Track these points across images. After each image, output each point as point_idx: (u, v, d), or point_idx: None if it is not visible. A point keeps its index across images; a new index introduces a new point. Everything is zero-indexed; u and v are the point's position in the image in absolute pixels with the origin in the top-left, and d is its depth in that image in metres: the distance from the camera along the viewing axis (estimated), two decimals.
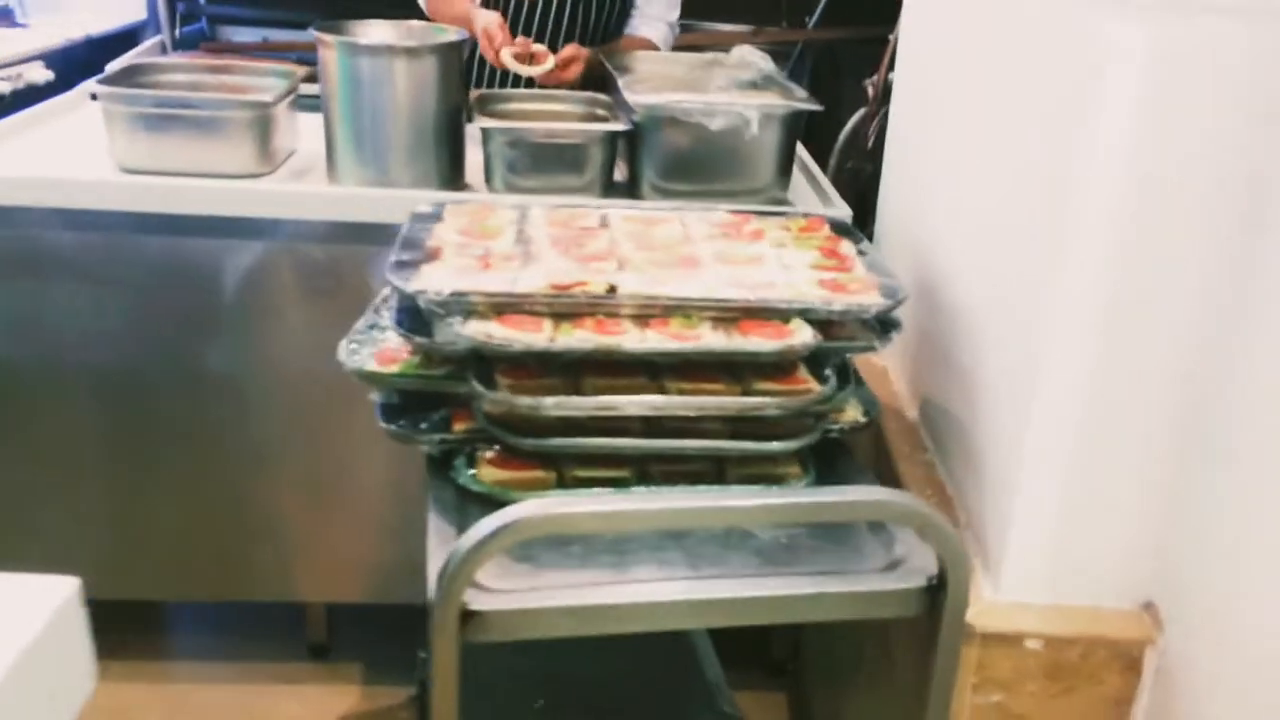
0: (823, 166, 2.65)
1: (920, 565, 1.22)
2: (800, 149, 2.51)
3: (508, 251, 1.53)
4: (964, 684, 1.25)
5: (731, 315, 1.40)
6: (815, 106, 2.08)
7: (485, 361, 1.35)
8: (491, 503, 1.32)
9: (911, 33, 2.00)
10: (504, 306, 1.36)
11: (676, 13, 2.82)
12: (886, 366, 1.95)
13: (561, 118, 2.26)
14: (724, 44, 3.81)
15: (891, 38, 2.32)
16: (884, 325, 1.47)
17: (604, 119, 2.22)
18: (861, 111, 2.54)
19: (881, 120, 2.48)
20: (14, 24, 3.60)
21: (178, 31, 3.91)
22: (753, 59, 2.46)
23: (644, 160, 2.11)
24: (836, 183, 2.66)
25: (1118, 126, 1.13)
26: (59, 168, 2.11)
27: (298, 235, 2.10)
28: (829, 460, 1.47)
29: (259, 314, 2.14)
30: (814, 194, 2.29)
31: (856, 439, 1.54)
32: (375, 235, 1.99)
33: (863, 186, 2.59)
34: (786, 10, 4.12)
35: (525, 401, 1.30)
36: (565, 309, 1.38)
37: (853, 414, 1.49)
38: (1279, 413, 1.07)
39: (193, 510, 2.24)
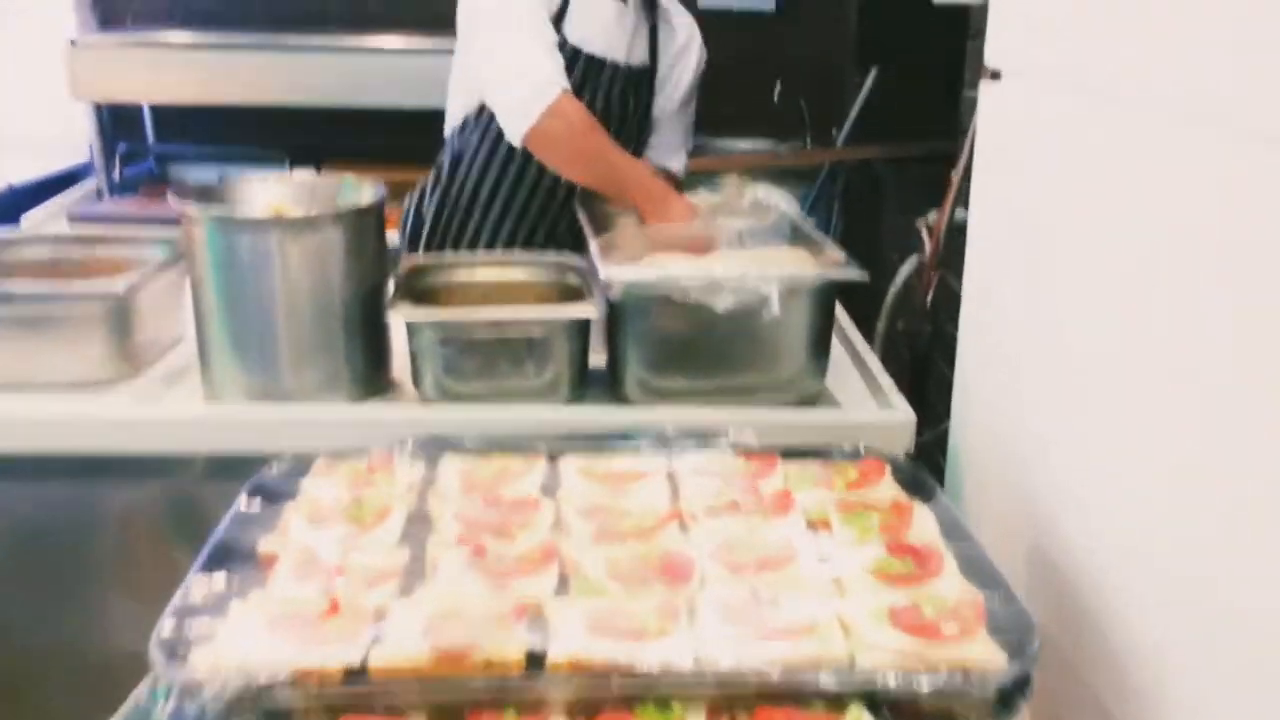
0: (868, 328, 2.08)
1: None
2: (837, 310, 1.94)
3: (384, 565, 0.95)
4: None
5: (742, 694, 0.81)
6: (859, 276, 1.52)
7: None
8: None
9: (995, 153, 1.43)
10: (340, 705, 0.78)
11: (692, 141, 2.32)
12: None
13: (518, 293, 1.71)
14: (739, 168, 3.29)
15: (958, 166, 1.76)
16: (1003, 692, 0.87)
17: (575, 293, 1.67)
18: (915, 259, 1.98)
19: (943, 269, 1.91)
20: None
21: (118, 173, 3.45)
22: (770, 199, 1.92)
23: (628, 351, 1.55)
24: (887, 351, 2.09)
25: None
26: None
27: (158, 471, 1.55)
28: None
29: (113, 581, 1.58)
30: (859, 377, 1.71)
31: None
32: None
33: (921, 353, 2.02)
34: (810, 122, 3.61)
35: None
36: (450, 696, 0.79)
37: None
38: None
39: None
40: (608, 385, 1.61)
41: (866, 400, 1.61)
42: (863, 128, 3.25)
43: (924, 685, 0.80)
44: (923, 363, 2.01)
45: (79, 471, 1.52)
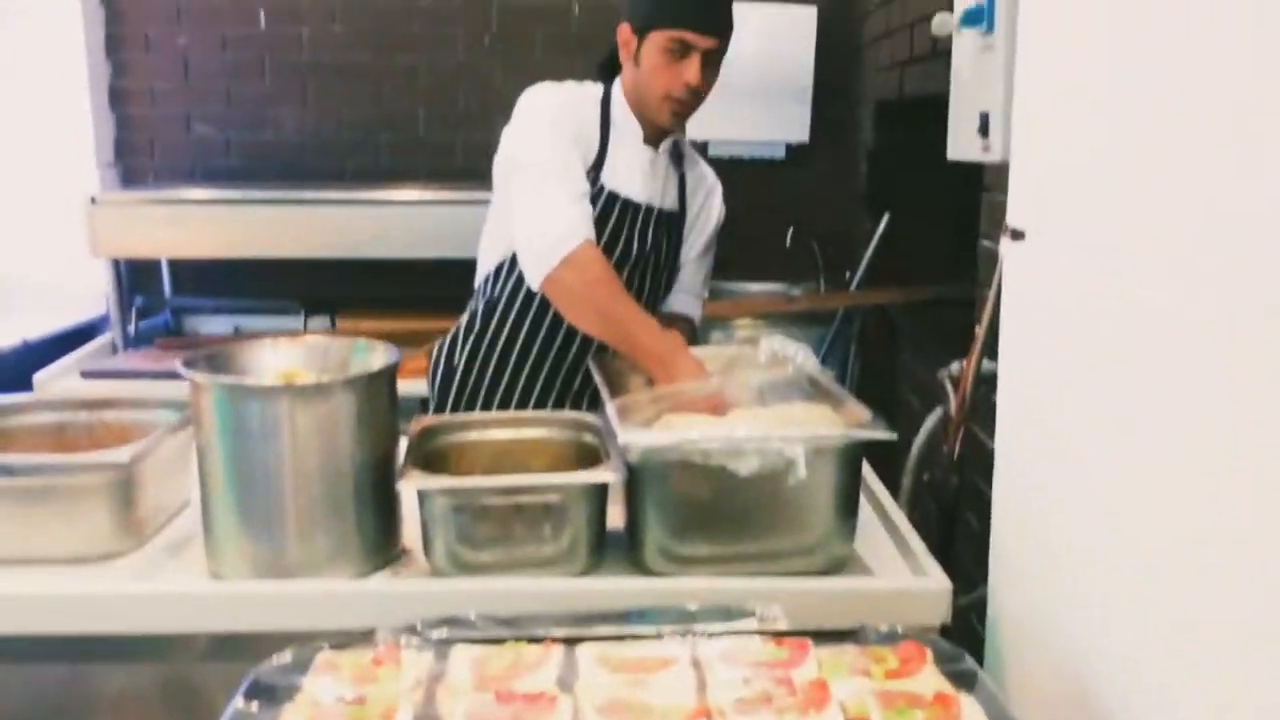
0: (890, 477, 2.02)
1: None
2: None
3: None
4: None
5: None
6: (887, 435, 1.47)
7: None
8: None
9: (1023, 311, 1.40)
10: None
11: (707, 289, 2.34)
12: None
13: (533, 453, 1.67)
14: (754, 312, 3.28)
15: (982, 319, 1.72)
16: None
17: (592, 453, 1.62)
18: (940, 410, 1.93)
19: (968, 420, 1.86)
20: None
21: (134, 326, 3.46)
22: (787, 352, 1.88)
23: (648, 517, 1.49)
24: (914, 507, 2.03)
25: None
26: None
27: (160, 652, 1.47)
28: None
29: None
30: (888, 538, 1.65)
31: None
32: (269, 649, 1.36)
33: (948, 507, 1.95)
34: (824, 265, 3.62)
35: None
36: None
37: None
38: None
39: None
40: (627, 550, 1.55)
41: (898, 565, 1.54)
42: (876, 271, 3.25)
43: None
44: (950, 516, 1.94)
45: (76, 652, 1.45)
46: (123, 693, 1.48)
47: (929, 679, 1.03)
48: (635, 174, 2.07)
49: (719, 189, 2.27)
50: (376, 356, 1.58)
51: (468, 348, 2.18)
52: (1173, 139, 0.96)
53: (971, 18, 1.57)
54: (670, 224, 2.16)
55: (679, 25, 1.92)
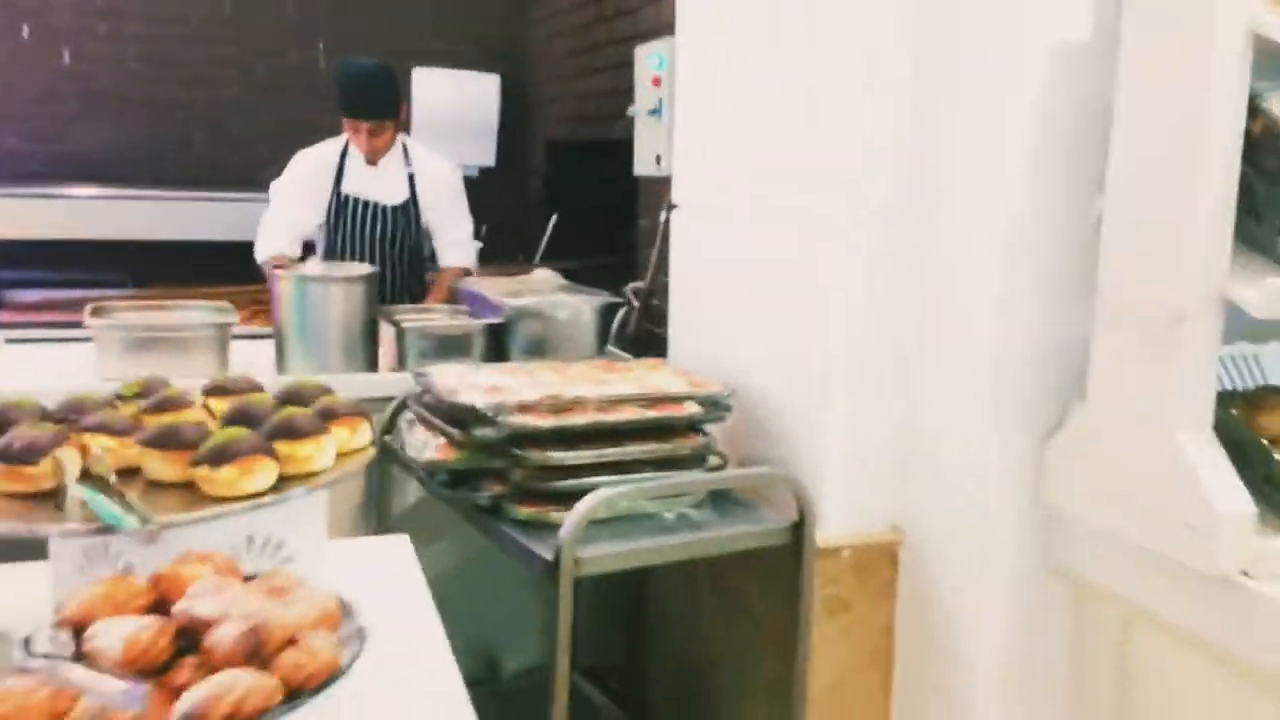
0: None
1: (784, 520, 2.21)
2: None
3: (500, 382, 2.40)
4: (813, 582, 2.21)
5: (649, 400, 2.36)
6: (620, 299, 3.15)
7: (516, 442, 2.20)
8: (529, 525, 2.15)
9: (681, 245, 3.13)
10: (526, 407, 2.24)
11: (473, 244, 3.94)
12: None
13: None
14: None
15: (654, 254, 3.47)
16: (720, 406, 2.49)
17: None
18: (624, 308, 3.64)
19: (640, 317, 3.60)
20: None
21: None
22: (548, 276, 3.51)
23: (512, 343, 3.05)
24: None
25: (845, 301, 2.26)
26: None
27: None
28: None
29: None
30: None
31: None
32: None
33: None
34: (510, 250, 5.25)
35: (554, 455, 2.17)
36: (561, 406, 2.28)
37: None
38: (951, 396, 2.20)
39: None
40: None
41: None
42: (552, 253, 4.94)
43: (701, 394, 2.40)
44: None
45: None
46: None
47: (666, 367, 2.71)
48: (365, 182, 3.73)
49: (443, 172, 3.94)
50: (365, 268, 3.01)
51: None
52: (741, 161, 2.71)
53: (654, 112, 3.32)
54: (401, 212, 3.80)
55: (346, 115, 3.66)
